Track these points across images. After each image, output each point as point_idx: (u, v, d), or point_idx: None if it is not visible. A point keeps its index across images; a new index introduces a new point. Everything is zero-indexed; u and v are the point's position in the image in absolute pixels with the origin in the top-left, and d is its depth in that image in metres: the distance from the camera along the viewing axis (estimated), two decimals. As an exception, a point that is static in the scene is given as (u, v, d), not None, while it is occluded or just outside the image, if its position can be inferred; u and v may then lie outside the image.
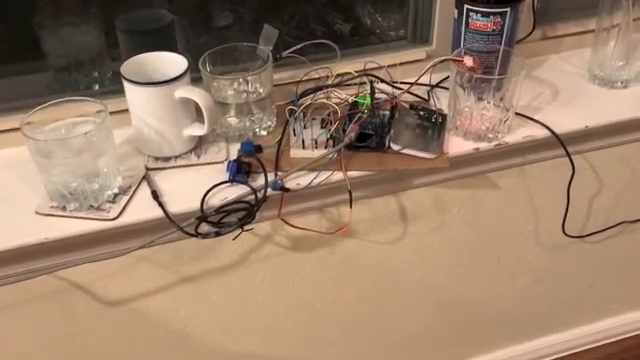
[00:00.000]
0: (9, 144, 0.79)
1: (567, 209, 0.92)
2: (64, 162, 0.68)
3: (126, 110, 0.76)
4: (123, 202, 0.73)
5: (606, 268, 1.14)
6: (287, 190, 0.75)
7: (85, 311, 0.83)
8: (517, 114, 0.83)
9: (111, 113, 0.72)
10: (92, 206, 0.72)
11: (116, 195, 0.73)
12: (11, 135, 0.78)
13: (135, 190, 0.74)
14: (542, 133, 0.83)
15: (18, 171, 0.76)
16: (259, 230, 0.83)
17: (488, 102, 0.80)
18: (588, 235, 1.03)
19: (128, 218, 0.72)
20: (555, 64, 0.97)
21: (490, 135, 0.81)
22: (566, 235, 0.97)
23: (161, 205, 0.72)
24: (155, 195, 0.73)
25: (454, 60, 0.79)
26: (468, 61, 0.79)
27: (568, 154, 0.85)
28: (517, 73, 0.78)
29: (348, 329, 1.03)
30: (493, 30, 0.81)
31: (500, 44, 0.82)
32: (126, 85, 0.73)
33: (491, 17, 0.80)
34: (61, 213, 0.72)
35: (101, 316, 0.84)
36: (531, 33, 0.93)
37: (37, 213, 0.72)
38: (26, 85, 0.85)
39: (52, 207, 0.72)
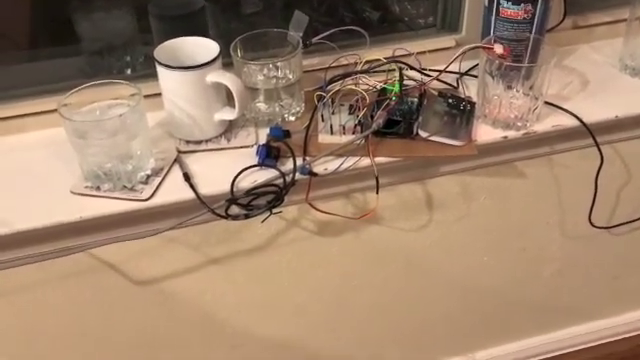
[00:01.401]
0: (47, 125, 0.81)
1: (594, 200, 0.92)
2: (99, 143, 0.70)
3: (158, 94, 0.78)
4: (155, 183, 0.74)
5: (632, 260, 1.12)
6: (315, 175, 0.76)
7: (115, 289, 0.85)
8: (546, 103, 0.83)
9: (144, 97, 0.73)
10: (125, 187, 0.73)
11: (148, 177, 0.75)
12: (49, 116, 0.79)
13: (167, 172, 0.76)
14: (571, 122, 0.83)
15: (55, 151, 0.77)
16: (286, 214, 0.84)
17: (517, 90, 0.79)
18: (615, 226, 1.02)
19: (160, 199, 0.73)
20: (585, 53, 0.96)
21: (519, 123, 0.81)
22: (593, 226, 0.96)
23: (192, 187, 0.73)
24: (187, 177, 0.74)
25: (484, 48, 0.79)
26: (498, 49, 0.78)
27: (597, 144, 0.85)
28: (547, 62, 0.78)
29: (372, 313, 1.04)
30: (524, 18, 0.81)
31: (530, 32, 0.81)
32: (159, 69, 0.74)
33: (522, 5, 0.80)
34: (95, 193, 0.73)
35: (130, 295, 0.86)
36: (562, 22, 0.92)
37: (72, 192, 0.74)
38: (62, 68, 0.87)
39: (87, 187, 0.74)
